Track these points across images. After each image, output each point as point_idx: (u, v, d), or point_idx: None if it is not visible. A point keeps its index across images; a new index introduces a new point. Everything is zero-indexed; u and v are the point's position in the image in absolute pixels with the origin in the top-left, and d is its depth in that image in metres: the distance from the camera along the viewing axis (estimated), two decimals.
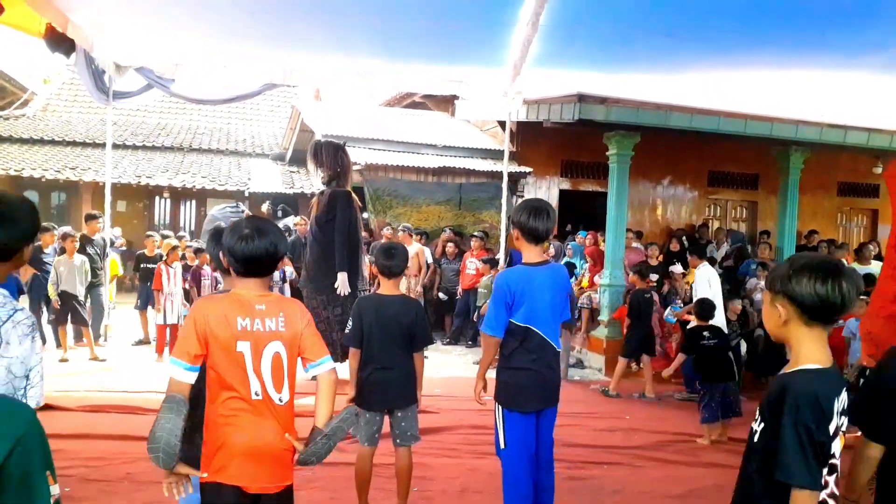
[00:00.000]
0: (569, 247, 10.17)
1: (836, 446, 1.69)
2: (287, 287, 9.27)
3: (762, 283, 9.09)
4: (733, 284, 9.37)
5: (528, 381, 3.21)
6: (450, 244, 10.08)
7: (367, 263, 7.12)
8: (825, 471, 1.67)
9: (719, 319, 7.29)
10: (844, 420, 1.75)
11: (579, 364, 8.70)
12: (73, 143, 15.48)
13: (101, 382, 6.76)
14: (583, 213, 11.86)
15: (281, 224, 11.96)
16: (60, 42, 6.56)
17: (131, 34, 7.39)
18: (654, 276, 8.43)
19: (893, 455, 1.96)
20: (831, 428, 1.66)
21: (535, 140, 11.04)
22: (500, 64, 7.48)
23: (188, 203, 16.57)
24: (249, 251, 2.25)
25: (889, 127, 9.27)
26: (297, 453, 2.32)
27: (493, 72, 7.84)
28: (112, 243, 9.69)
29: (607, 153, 8.70)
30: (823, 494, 1.68)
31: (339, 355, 6.53)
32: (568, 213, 11.93)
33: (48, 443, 1.45)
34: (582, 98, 7.95)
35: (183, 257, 8.68)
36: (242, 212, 12.24)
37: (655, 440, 5.58)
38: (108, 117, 9.18)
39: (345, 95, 15.82)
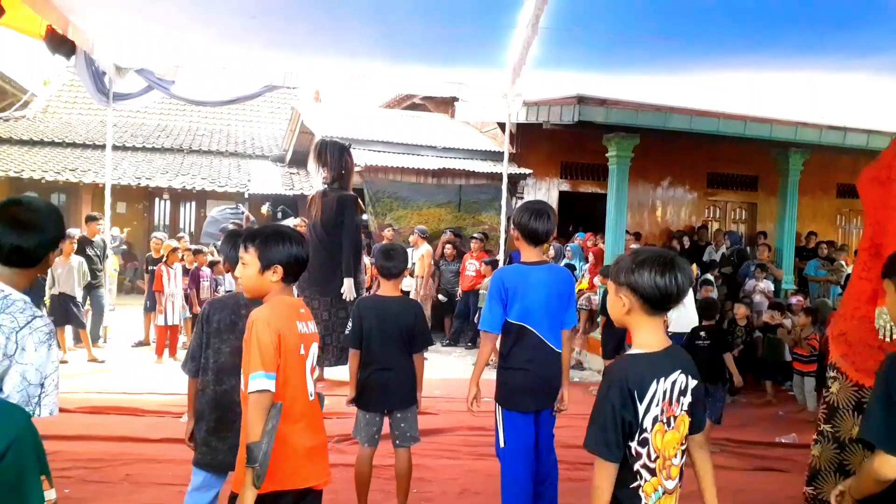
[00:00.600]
0: (568, 248, 10.18)
1: (648, 421, 1.84)
2: None
3: (761, 284, 9.11)
4: (733, 286, 9.39)
5: (525, 381, 3.22)
6: (448, 246, 10.09)
7: (366, 265, 7.13)
8: (635, 443, 1.84)
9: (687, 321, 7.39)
10: (686, 399, 1.94)
11: (578, 366, 8.71)
12: (73, 145, 15.48)
13: (100, 384, 6.76)
14: (582, 214, 11.87)
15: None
16: (61, 44, 6.56)
17: (132, 36, 7.41)
18: None
19: None
20: (642, 408, 1.83)
21: (534, 142, 11.05)
22: (499, 66, 7.49)
23: (188, 205, 16.58)
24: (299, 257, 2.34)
25: (888, 129, 9.28)
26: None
27: (493, 74, 7.86)
28: (118, 241, 9.68)
29: (607, 155, 8.71)
30: (637, 465, 1.86)
31: (338, 358, 6.54)
32: (568, 214, 11.93)
33: (43, 447, 1.45)
34: (581, 100, 7.96)
35: (183, 259, 8.68)
36: (242, 213, 12.29)
37: None
38: (109, 119, 9.18)
39: (345, 97, 15.85)
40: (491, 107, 8.91)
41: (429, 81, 8.73)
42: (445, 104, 13.24)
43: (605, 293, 8.40)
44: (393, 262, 3.56)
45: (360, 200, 6.80)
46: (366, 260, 7.82)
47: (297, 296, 6.45)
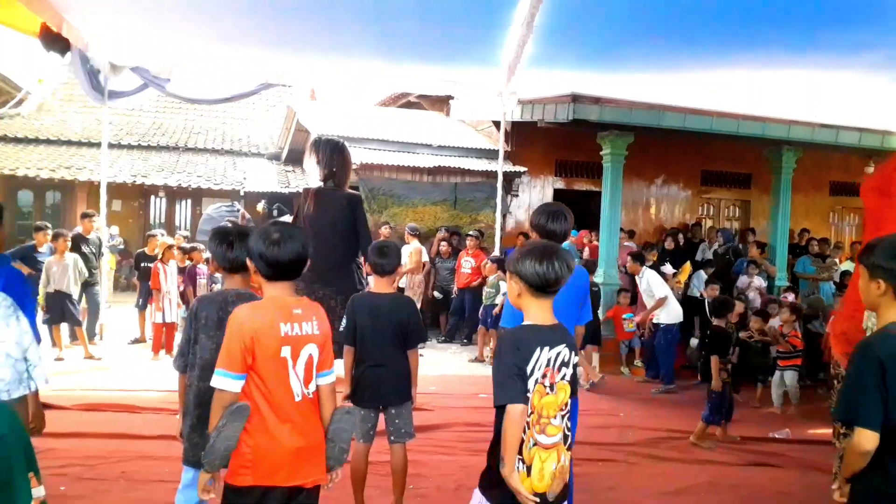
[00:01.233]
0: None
1: (531, 382, 2.16)
2: None
3: (753, 280, 9.17)
4: (727, 283, 9.43)
5: None
6: (444, 243, 10.12)
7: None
8: (529, 386, 2.16)
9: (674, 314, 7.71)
10: (567, 371, 2.25)
11: None
12: (69, 143, 15.44)
13: (96, 381, 6.77)
14: (577, 212, 11.88)
15: None
16: (55, 41, 6.56)
17: (127, 34, 7.41)
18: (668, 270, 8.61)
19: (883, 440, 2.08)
20: (528, 368, 2.16)
21: (529, 140, 11.07)
22: (494, 64, 7.52)
23: (184, 202, 16.55)
24: (281, 256, 2.29)
25: (880, 127, 9.34)
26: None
27: (488, 72, 7.89)
28: (115, 240, 9.66)
29: (601, 153, 8.75)
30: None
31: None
32: None
33: (31, 443, 1.44)
34: (576, 98, 8.00)
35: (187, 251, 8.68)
36: (238, 211, 12.30)
37: (649, 437, 5.63)
38: (104, 117, 9.17)
39: (340, 95, 15.84)
40: (486, 105, 8.94)
41: (424, 80, 8.75)
42: (441, 102, 13.25)
43: (600, 291, 8.47)
44: (386, 260, 3.59)
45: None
46: None
47: (306, 294, 6.48)
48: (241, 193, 14.06)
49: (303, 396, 2.33)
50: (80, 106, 17.39)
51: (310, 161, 6.71)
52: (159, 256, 8.49)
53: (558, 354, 2.23)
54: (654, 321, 7.78)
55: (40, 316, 8.05)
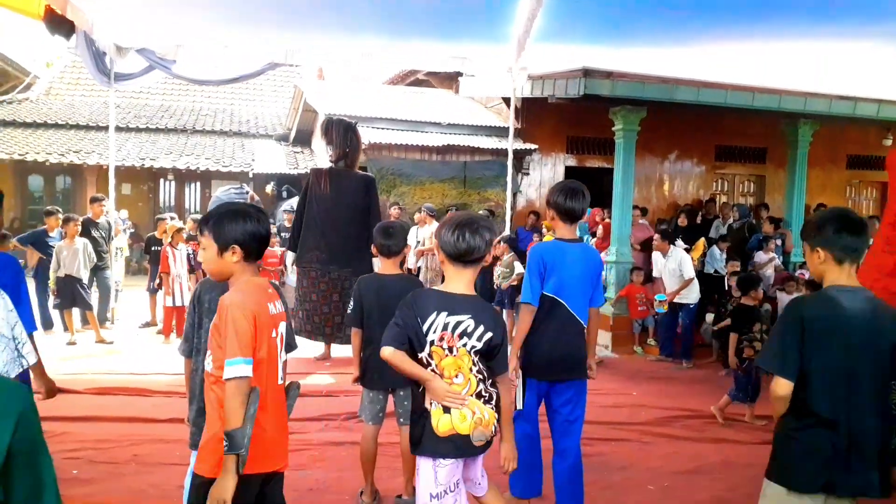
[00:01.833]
0: None
1: (427, 343, 2.35)
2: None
3: (768, 257, 9.05)
4: (743, 259, 9.31)
5: (550, 351, 3.32)
6: None
7: None
8: (424, 354, 2.36)
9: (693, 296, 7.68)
10: (470, 341, 2.36)
11: None
12: (77, 127, 15.45)
13: (108, 365, 6.78)
14: (589, 190, 11.77)
15: (286, 205, 11.94)
16: (60, 24, 6.49)
17: (131, 15, 7.33)
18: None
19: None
20: (425, 325, 2.34)
21: (540, 117, 10.93)
22: (504, 40, 7.39)
23: (193, 185, 16.55)
24: (263, 233, 2.29)
25: None
26: None
27: (497, 48, 7.76)
28: (125, 224, 9.69)
29: (613, 128, 8.61)
30: (429, 370, 2.36)
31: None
32: None
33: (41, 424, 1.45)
34: (587, 73, 7.84)
35: (191, 238, 8.65)
36: (246, 193, 12.26)
37: (662, 416, 5.57)
38: (111, 100, 9.12)
39: (348, 74, 15.71)
40: (495, 81, 8.80)
41: (432, 57, 8.63)
42: (450, 80, 13.11)
43: (612, 269, 8.40)
44: (393, 241, 3.53)
45: None
46: None
47: (319, 274, 6.44)
48: (250, 175, 14.04)
49: (283, 379, 2.34)
50: (87, 89, 17.38)
51: (321, 141, 6.63)
52: (168, 240, 8.47)
53: (458, 323, 2.35)
54: (678, 300, 7.71)
55: (51, 301, 8.09)
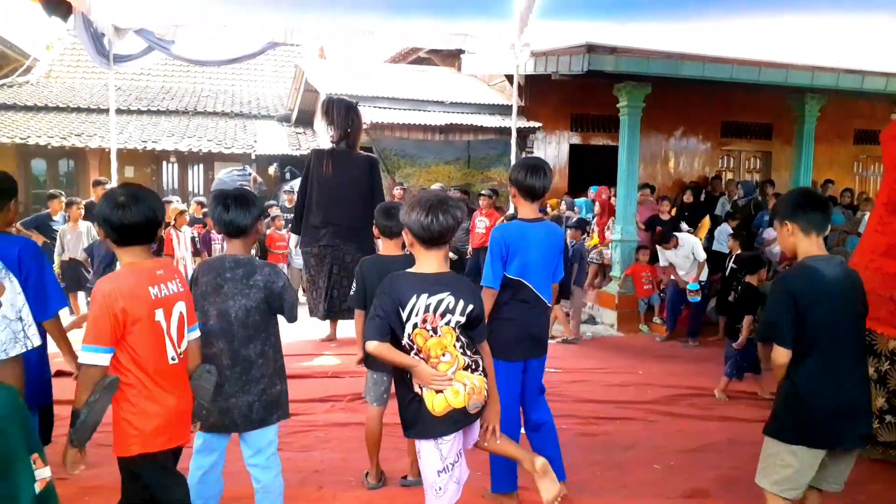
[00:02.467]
0: (573, 203, 10.06)
1: (409, 327, 2.33)
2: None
3: (776, 234, 8.98)
4: (748, 236, 9.25)
5: (518, 332, 3.30)
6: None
7: None
8: (406, 339, 2.35)
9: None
10: (453, 317, 2.37)
11: (591, 320, 8.67)
12: (78, 110, 15.36)
13: None
14: (594, 168, 11.70)
15: (288, 186, 11.89)
16: (57, 5, 6.43)
17: None
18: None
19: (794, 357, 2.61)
20: (405, 310, 2.32)
21: (543, 94, 10.83)
22: (506, 16, 7.29)
23: (196, 167, 16.46)
24: (128, 219, 2.24)
25: None
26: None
27: (500, 24, 7.65)
28: None
29: (618, 105, 8.51)
30: (412, 354, 2.36)
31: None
32: (579, 168, 11.76)
33: (32, 425, 1.36)
34: (591, 48, 7.74)
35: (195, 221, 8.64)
36: (249, 175, 12.21)
37: (668, 395, 5.56)
38: (110, 82, 9.04)
39: (349, 53, 15.56)
40: (498, 58, 8.68)
41: (434, 34, 8.51)
42: (452, 57, 12.98)
43: (618, 248, 8.35)
44: (394, 221, 3.50)
45: None
46: None
47: (325, 255, 6.41)
48: (253, 157, 13.96)
49: (177, 358, 2.37)
50: (88, 72, 17.27)
51: (322, 122, 6.59)
52: (172, 223, 8.45)
53: (440, 301, 2.35)
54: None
55: None
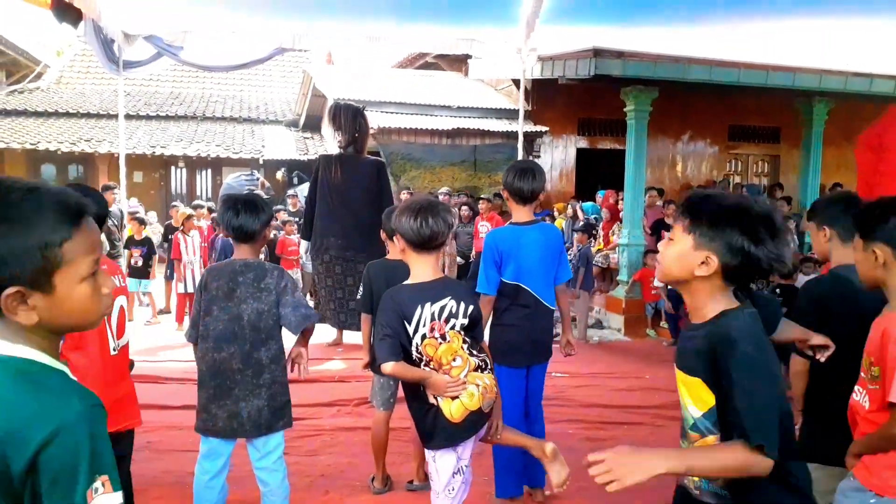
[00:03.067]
0: (580, 207, 10.05)
1: (418, 338, 2.32)
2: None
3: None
4: None
5: (519, 338, 3.29)
6: (464, 208, 10.00)
7: None
8: (415, 352, 2.33)
9: None
10: (458, 321, 2.38)
11: (598, 325, 8.65)
12: (88, 115, 15.49)
13: None
14: (602, 172, 11.69)
15: (292, 191, 11.93)
16: (67, 12, 6.46)
17: (139, 1, 7.30)
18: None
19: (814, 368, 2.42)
20: (412, 323, 2.31)
21: (550, 98, 10.83)
22: (512, 21, 7.30)
23: (204, 172, 16.57)
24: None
25: None
26: None
27: (506, 30, 7.66)
28: (137, 211, 9.76)
29: (625, 109, 8.50)
30: (422, 366, 2.34)
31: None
32: (587, 172, 11.75)
33: (106, 442, 1.16)
34: (598, 52, 7.74)
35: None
36: (257, 179, 12.26)
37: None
38: (120, 87, 9.10)
39: (357, 58, 15.63)
40: (505, 63, 8.70)
41: (441, 39, 8.52)
42: (459, 62, 13.01)
43: (625, 252, 8.33)
44: None
45: None
46: None
47: (335, 261, 6.42)
48: (261, 162, 14.04)
49: (117, 349, 2.49)
50: (97, 78, 17.41)
51: (329, 127, 6.60)
52: (180, 227, 8.49)
53: (443, 308, 2.35)
54: None
55: None
